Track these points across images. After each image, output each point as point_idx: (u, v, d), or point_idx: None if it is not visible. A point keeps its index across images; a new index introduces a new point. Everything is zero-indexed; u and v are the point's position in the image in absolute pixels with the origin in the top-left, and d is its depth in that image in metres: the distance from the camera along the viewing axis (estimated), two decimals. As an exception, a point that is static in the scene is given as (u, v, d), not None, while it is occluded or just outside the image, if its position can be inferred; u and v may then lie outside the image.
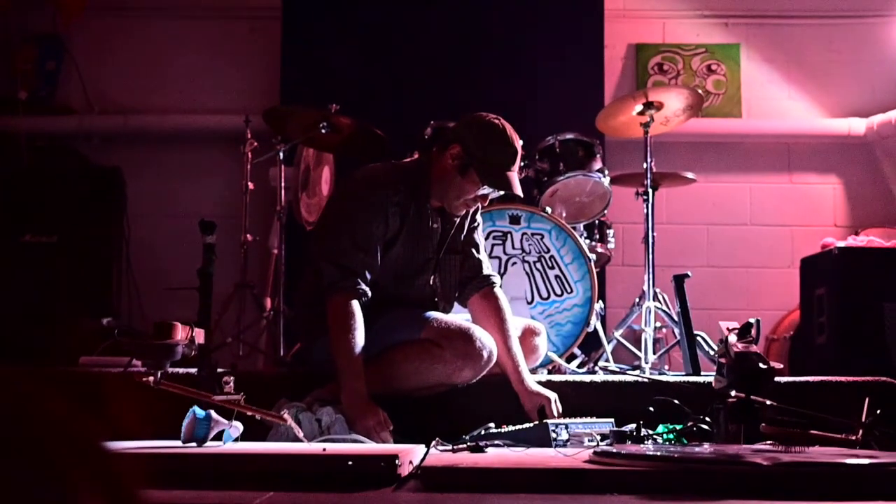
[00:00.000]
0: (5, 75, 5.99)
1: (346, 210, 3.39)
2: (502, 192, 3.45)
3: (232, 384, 2.64)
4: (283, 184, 4.71)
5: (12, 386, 0.91)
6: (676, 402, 3.24)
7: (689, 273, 4.33)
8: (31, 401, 0.92)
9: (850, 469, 2.16)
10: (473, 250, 3.61)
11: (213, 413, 2.60)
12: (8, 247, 5.03)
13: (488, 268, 3.63)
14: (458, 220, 3.54)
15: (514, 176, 3.36)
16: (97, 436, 0.92)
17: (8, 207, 5.11)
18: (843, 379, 3.56)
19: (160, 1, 6.12)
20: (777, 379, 3.04)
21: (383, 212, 3.34)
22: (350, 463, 2.18)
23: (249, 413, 2.65)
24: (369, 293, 3.28)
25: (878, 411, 2.39)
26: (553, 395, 3.30)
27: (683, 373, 4.16)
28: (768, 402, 2.77)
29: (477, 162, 3.32)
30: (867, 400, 2.54)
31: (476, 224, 3.65)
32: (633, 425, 2.99)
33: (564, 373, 4.11)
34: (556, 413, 3.25)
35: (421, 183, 3.42)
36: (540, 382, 3.43)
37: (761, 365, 2.86)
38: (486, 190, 3.37)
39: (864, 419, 2.40)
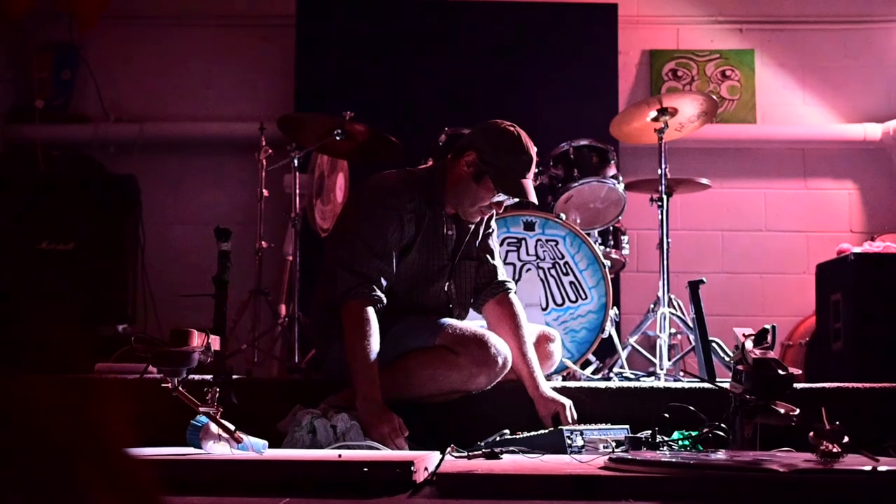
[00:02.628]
0: (22, 84, 6.04)
1: (362, 217, 3.40)
2: (517, 199, 3.44)
3: (212, 395, 2.63)
4: (297, 191, 4.72)
5: (33, 393, 0.92)
6: (692, 408, 3.23)
7: (704, 279, 4.31)
8: (51, 407, 0.92)
9: (866, 476, 2.15)
10: (488, 256, 3.61)
11: (210, 423, 2.59)
12: (25, 254, 5.05)
13: (503, 274, 3.63)
14: (472, 226, 3.54)
15: (529, 183, 3.36)
16: (117, 442, 0.93)
17: (25, 215, 5.14)
18: (859, 385, 3.55)
19: (175, 10, 6.14)
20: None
21: (399, 218, 3.34)
22: (365, 469, 2.18)
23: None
24: (385, 300, 3.28)
25: (837, 422, 2.38)
26: (568, 402, 3.30)
27: (698, 379, 4.14)
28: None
29: (492, 169, 3.33)
30: (823, 410, 2.53)
31: (491, 230, 3.65)
32: (649, 432, 2.99)
33: (579, 379, 4.10)
34: (570, 419, 3.25)
35: (436, 190, 3.43)
36: (555, 389, 3.42)
37: (780, 371, 2.85)
38: (501, 197, 3.37)
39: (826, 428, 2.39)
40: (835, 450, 2.31)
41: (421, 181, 3.45)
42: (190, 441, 2.60)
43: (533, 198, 3.37)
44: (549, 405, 3.30)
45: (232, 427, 2.59)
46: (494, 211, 3.50)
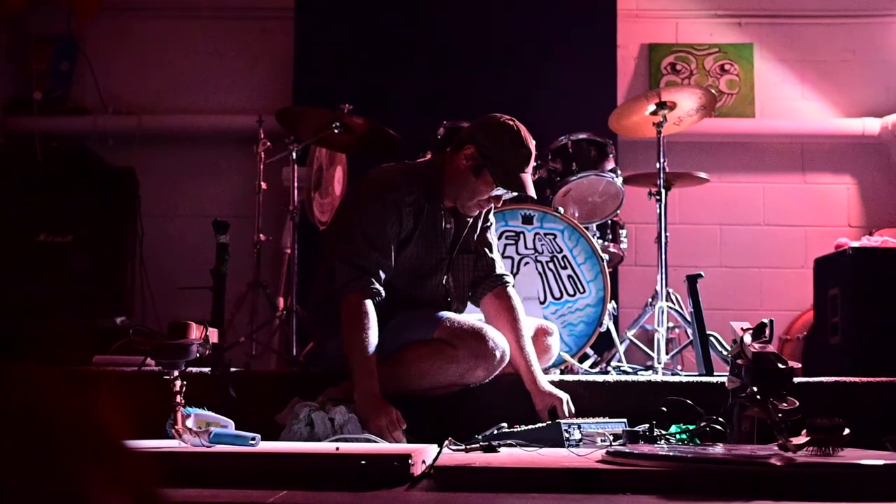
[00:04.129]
0: (20, 76, 6.03)
1: (360, 209, 3.40)
2: (515, 193, 3.44)
3: (178, 387, 2.61)
4: (295, 183, 4.72)
5: (33, 385, 0.92)
6: (689, 402, 3.23)
7: (702, 273, 4.32)
8: (51, 400, 0.92)
9: (864, 470, 2.15)
10: (486, 250, 3.61)
11: (192, 416, 2.57)
12: (23, 246, 5.05)
13: (501, 267, 3.63)
14: (471, 220, 3.54)
15: (528, 177, 3.36)
16: (117, 435, 0.93)
17: (23, 207, 5.14)
18: (857, 380, 3.55)
19: (174, 2, 6.13)
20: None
21: (397, 211, 3.34)
22: (363, 462, 2.19)
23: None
24: (383, 293, 3.28)
25: (781, 415, 2.39)
26: (565, 396, 3.30)
27: (696, 373, 4.15)
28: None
29: (491, 163, 3.32)
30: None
31: (489, 224, 3.65)
32: (646, 425, 2.99)
33: (577, 373, 4.11)
34: (567, 413, 3.25)
35: (434, 183, 3.43)
36: (553, 382, 3.43)
37: (780, 365, 2.85)
38: (499, 191, 3.37)
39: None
40: (790, 443, 2.33)
41: (420, 174, 3.45)
42: (168, 433, 2.59)
43: (531, 192, 3.36)
44: (546, 399, 3.30)
45: (198, 421, 2.57)
46: (493, 205, 3.50)
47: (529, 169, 3.38)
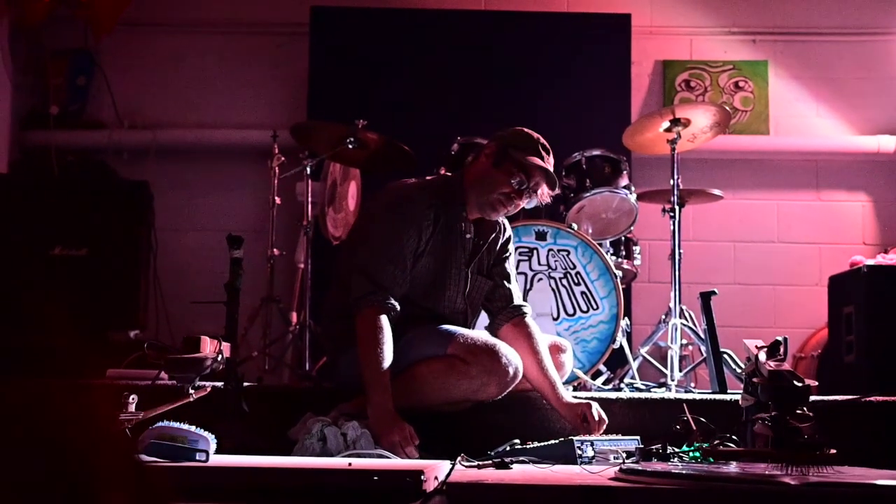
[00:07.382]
0: (37, 90, 6.06)
1: (377, 224, 3.41)
2: (534, 204, 3.47)
3: (126, 401, 2.54)
4: (309, 198, 4.73)
5: (47, 400, 0.92)
6: (703, 419, 3.22)
7: (716, 290, 4.31)
8: (65, 415, 0.92)
9: (878, 490, 2.14)
10: (504, 281, 3.61)
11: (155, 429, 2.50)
12: (38, 259, 5.07)
13: (519, 298, 3.63)
14: (491, 237, 3.54)
15: (548, 166, 3.42)
16: (130, 449, 0.93)
17: (38, 220, 5.16)
18: (872, 398, 3.53)
19: (189, 17, 6.17)
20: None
21: (415, 226, 3.35)
22: (376, 478, 2.18)
23: None
24: (398, 308, 3.29)
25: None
26: (594, 403, 3.31)
27: (710, 390, 4.13)
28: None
29: (511, 151, 3.40)
30: (685, 405, 2.56)
31: (507, 254, 3.65)
32: (659, 443, 2.98)
33: (590, 390, 4.10)
34: (597, 416, 3.26)
35: (452, 197, 3.44)
36: (567, 398, 3.43)
37: (796, 383, 2.83)
38: (519, 182, 3.37)
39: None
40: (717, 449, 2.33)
41: (438, 190, 3.47)
42: None
43: (550, 168, 3.40)
44: (574, 408, 3.31)
45: (162, 434, 2.50)
46: (515, 202, 3.46)
47: (549, 162, 3.41)
